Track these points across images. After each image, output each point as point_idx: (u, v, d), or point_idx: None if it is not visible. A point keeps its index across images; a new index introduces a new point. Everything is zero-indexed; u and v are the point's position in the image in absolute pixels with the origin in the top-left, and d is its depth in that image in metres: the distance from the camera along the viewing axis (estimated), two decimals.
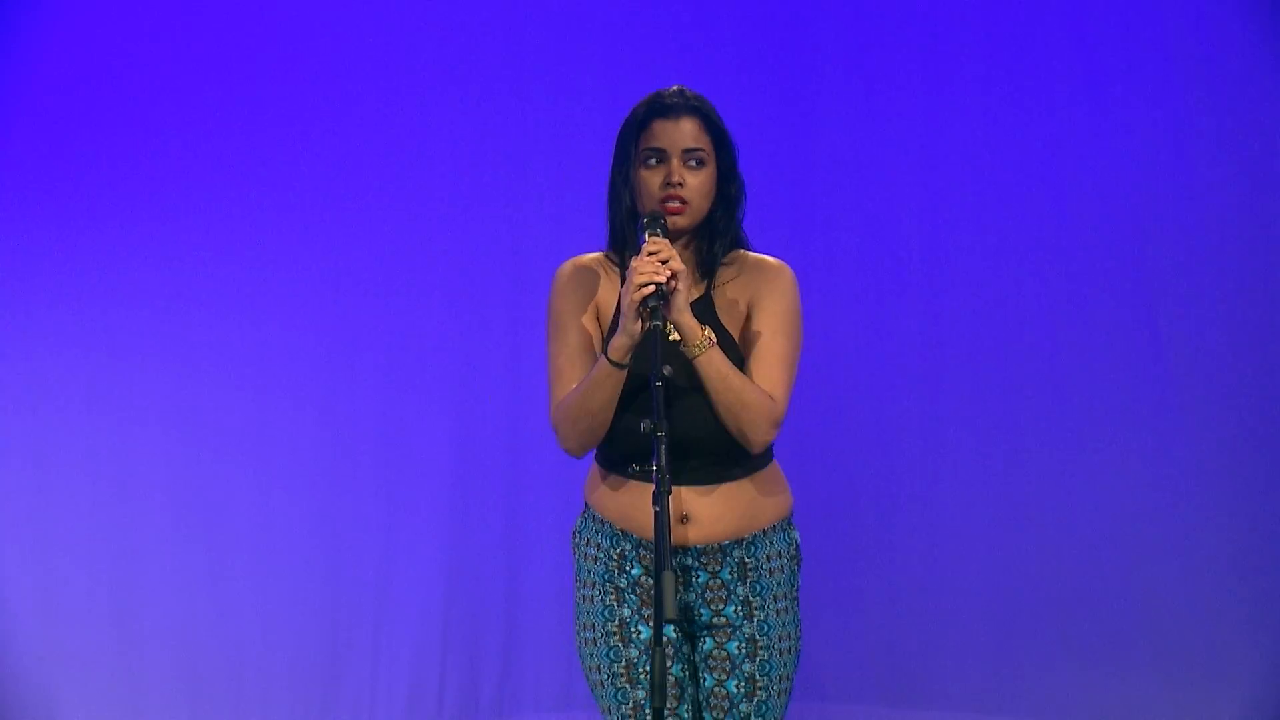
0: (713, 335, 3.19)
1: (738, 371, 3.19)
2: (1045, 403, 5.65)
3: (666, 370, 3.09)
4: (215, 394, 5.47)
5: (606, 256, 3.34)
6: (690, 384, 3.20)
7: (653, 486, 3.07)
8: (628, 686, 3.23)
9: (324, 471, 5.56)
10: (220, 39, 5.52)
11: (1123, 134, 5.61)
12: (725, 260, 3.32)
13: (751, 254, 3.37)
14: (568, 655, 5.57)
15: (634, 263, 3.11)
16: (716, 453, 3.22)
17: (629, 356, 3.14)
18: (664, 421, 2.99)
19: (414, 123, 5.67)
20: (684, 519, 3.22)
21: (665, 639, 3.21)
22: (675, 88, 3.30)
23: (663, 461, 2.97)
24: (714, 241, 3.30)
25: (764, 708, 3.28)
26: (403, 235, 5.65)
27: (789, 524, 3.38)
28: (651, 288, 3.07)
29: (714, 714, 3.27)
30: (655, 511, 2.95)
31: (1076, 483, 5.60)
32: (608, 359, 3.14)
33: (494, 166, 5.72)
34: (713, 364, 3.15)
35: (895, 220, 5.86)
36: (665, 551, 2.92)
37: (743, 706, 3.27)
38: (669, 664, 3.22)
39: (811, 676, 5.85)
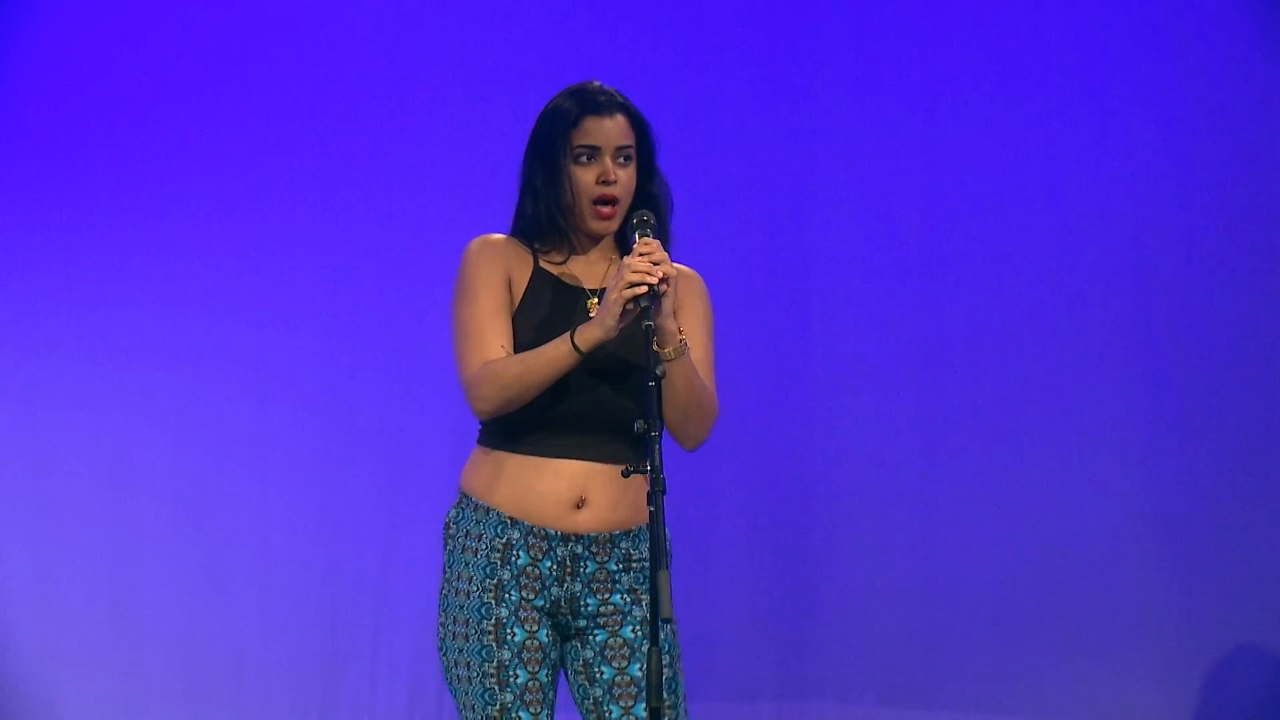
0: (687, 340, 3.17)
1: (699, 376, 3.21)
2: (1045, 402, 5.65)
3: (660, 371, 3.08)
4: (215, 394, 5.47)
5: (515, 239, 3.32)
6: (619, 363, 3.18)
7: (550, 466, 3.15)
8: (496, 688, 3.17)
9: (324, 472, 5.56)
10: (220, 40, 5.52)
11: (1122, 134, 5.60)
12: None
13: None
14: None
15: (626, 260, 3.10)
16: (631, 436, 3.12)
17: (593, 348, 3.12)
18: (657, 421, 2.98)
19: (416, 123, 5.67)
20: (580, 504, 3.19)
21: (535, 643, 3.21)
22: (596, 83, 3.30)
23: (657, 461, 2.95)
24: (631, 235, 3.23)
25: (673, 684, 3.23)
26: (403, 235, 5.65)
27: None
28: (644, 288, 3.06)
29: (622, 703, 3.21)
30: (650, 511, 2.93)
31: (1076, 483, 5.59)
32: (574, 346, 3.11)
33: (494, 167, 5.69)
34: (684, 368, 3.15)
35: (894, 220, 5.86)
36: (661, 551, 2.90)
37: None
38: (538, 669, 3.19)
39: (812, 676, 5.86)
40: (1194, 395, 5.51)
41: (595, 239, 3.30)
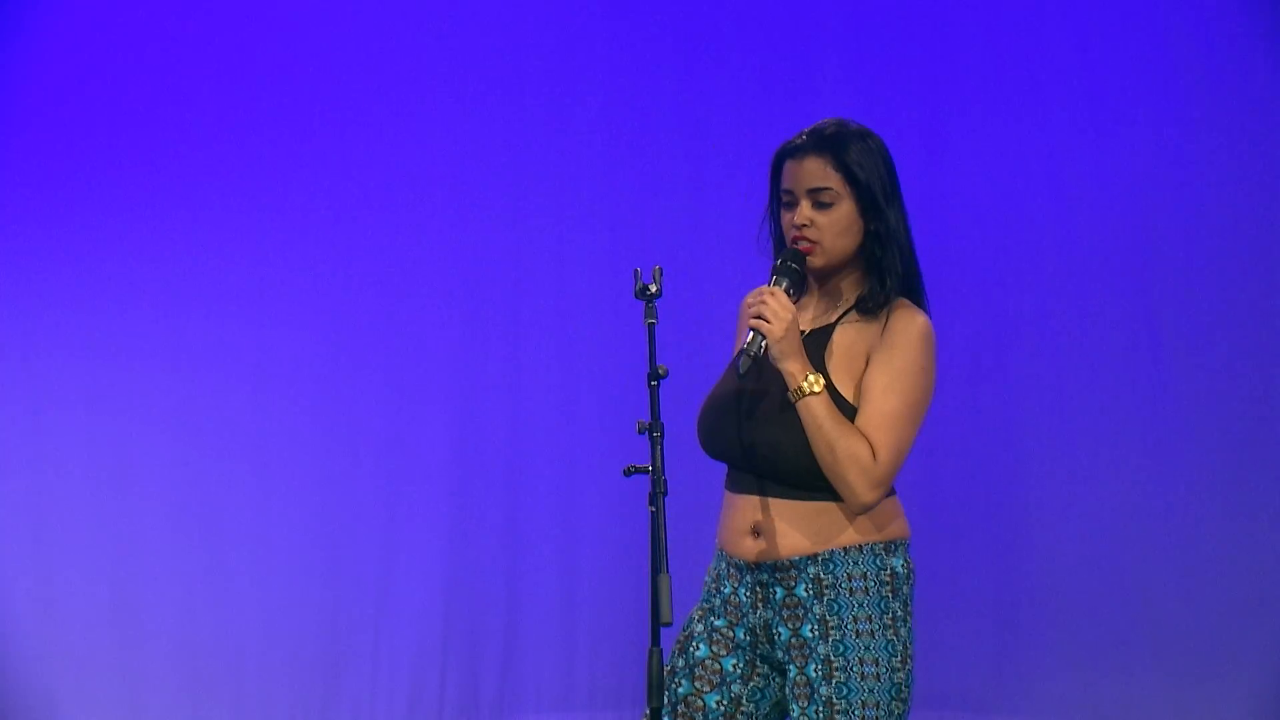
0: (818, 383, 3.11)
1: (836, 422, 3.11)
2: (1045, 403, 5.65)
3: (662, 370, 3.07)
4: (215, 394, 5.47)
5: None
6: (782, 399, 3.16)
7: (732, 500, 3.19)
8: (669, 680, 3.24)
9: (324, 472, 5.56)
10: (221, 41, 5.52)
11: (1123, 135, 5.60)
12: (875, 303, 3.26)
13: (900, 302, 3.28)
14: (568, 655, 5.57)
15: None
16: (794, 471, 3.16)
17: (747, 371, 3.12)
18: (659, 422, 2.99)
19: (416, 124, 5.67)
20: (756, 533, 3.19)
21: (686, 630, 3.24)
22: (816, 125, 3.22)
23: (658, 463, 2.96)
24: (880, 277, 3.24)
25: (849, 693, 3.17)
26: (404, 236, 5.65)
27: (884, 549, 3.24)
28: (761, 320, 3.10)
29: None
30: (651, 512, 2.94)
31: (1076, 483, 5.59)
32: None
33: (495, 170, 5.72)
34: (809, 412, 3.10)
35: None
36: (662, 554, 2.91)
37: None
38: (708, 690, 3.20)
39: None
40: (1194, 395, 5.51)
41: (819, 280, 3.27)
